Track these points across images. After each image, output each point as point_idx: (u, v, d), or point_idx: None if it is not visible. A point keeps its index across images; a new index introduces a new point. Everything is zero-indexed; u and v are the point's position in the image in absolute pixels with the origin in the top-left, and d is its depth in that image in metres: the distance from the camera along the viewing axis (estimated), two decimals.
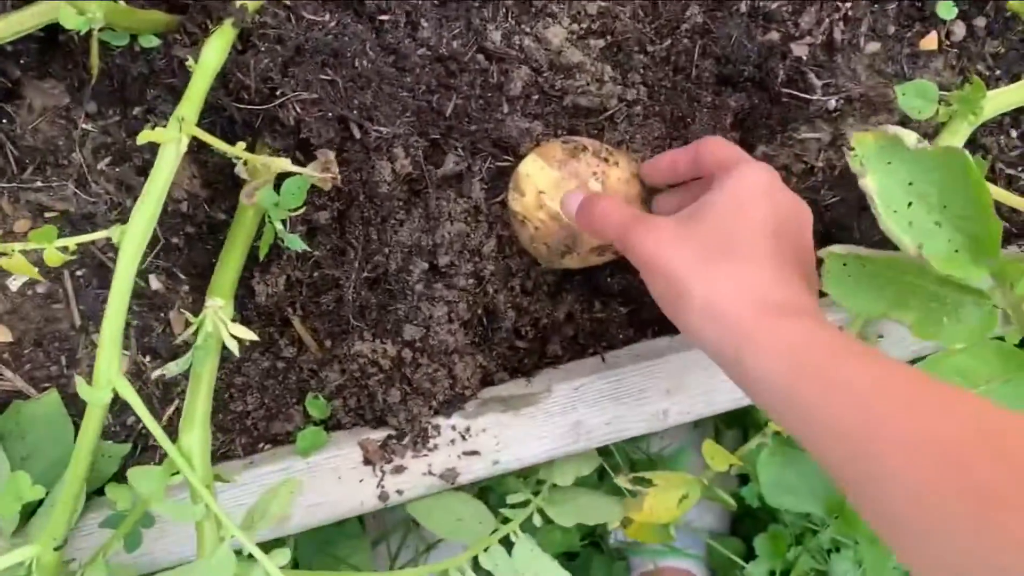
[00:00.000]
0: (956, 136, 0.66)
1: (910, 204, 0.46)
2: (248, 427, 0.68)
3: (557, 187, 0.64)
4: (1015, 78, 0.74)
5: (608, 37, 0.69)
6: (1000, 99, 0.65)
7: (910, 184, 0.46)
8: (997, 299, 0.46)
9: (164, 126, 0.62)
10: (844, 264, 0.50)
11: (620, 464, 0.87)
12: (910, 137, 0.45)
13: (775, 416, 0.47)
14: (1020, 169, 0.76)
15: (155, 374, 0.56)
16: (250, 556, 0.46)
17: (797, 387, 0.43)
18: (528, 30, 0.68)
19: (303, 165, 0.54)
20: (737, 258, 0.49)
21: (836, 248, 0.50)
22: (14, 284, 0.66)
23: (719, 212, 0.51)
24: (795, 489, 0.74)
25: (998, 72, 0.74)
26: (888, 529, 0.40)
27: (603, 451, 0.99)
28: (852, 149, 0.46)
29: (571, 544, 0.99)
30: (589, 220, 0.59)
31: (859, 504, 0.41)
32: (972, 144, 0.75)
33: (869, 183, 0.46)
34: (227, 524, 0.46)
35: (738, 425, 1.01)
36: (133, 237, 0.48)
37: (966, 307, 0.47)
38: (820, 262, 0.54)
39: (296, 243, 0.57)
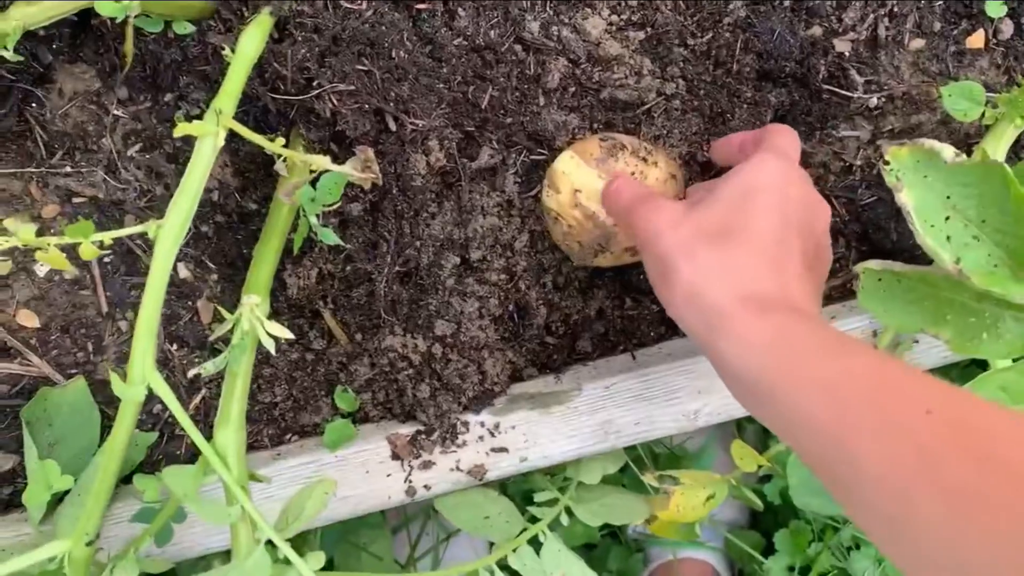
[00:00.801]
0: (1002, 140, 0.64)
1: (947, 218, 0.45)
2: (276, 418, 0.68)
3: (593, 186, 0.63)
4: None
5: (648, 29, 0.67)
6: None
7: (947, 198, 0.45)
8: None
9: (196, 114, 0.61)
10: (879, 279, 0.49)
11: (643, 458, 0.87)
12: (947, 151, 0.44)
13: (748, 407, 0.47)
14: None
15: (191, 373, 0.56)
16: (285, 559, 0.45)
17: (768, 383, 0.43)
18: (567, 20, 0.66)
19: (337, 157, 0.53)
20: (731, 245, 0.49)
21: (872, 263, 0.49)
22: (41, 270, 0.66)
23: (724, 199, 0.51)
24: (822, 492, 0.74)
25: None
26: (865, 521, 0.40)
27: (630, 448, 0.98)
28: (887, 163, 0.45)
29: (592, 537, 0.99)
30: (605, 198, 0.60)
31: (837, 497, 0.41)
32: (1016, 145, 0.74)
33: (905, 197, 0.45)
34: (263, 526, 0.45)
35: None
36: (169, 232, 0.47)
37: (1006, 322, 0.46)
38: (855, 276, 0.53)
39: (330, 237, 0.56)
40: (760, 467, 0.72)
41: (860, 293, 0.50)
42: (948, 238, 0.45)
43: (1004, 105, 0.64)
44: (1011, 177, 0.44)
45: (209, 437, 0.50)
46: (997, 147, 0.65)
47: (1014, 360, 0.50)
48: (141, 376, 0.47)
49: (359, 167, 0.49)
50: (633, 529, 1.09)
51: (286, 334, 0.49)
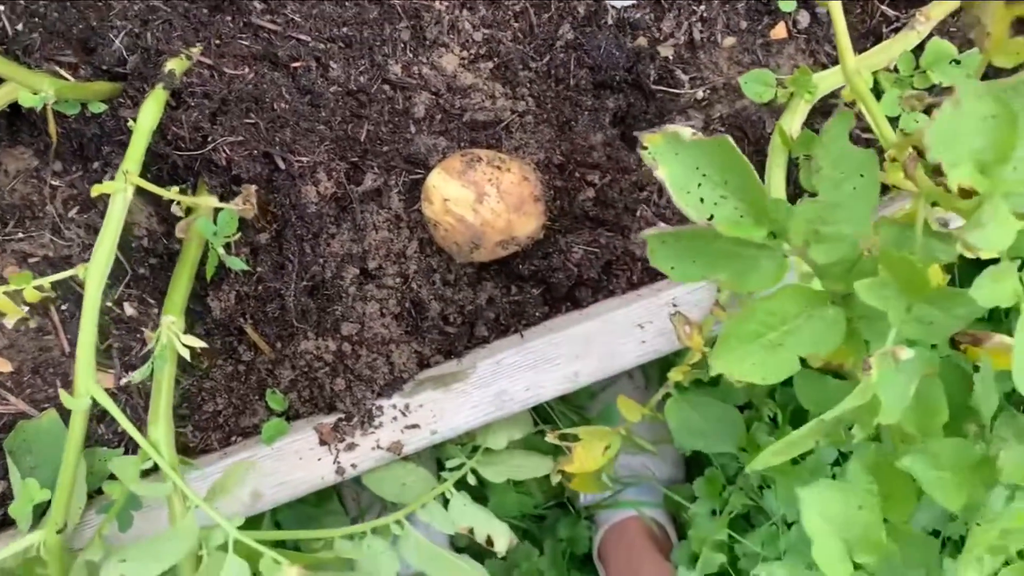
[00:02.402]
0: (796, 114, 0.76)
1: (699, 184, 0.56)
2: (220, 424, 0.79)
3: (459, 195, 0.75)
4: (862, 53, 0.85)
5: (495, 59, 0.80)
6: (827, 80, 0.75)
7: (696, 168, 0.56)
8: (784, 250, 0.57)
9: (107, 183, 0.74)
10: (663, 242, 0.60)
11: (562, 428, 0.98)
12: (686, 131, 0.55)
13: None
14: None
15: (123, 381, 0.68)
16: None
17: None
18: (425, 60, 0.79)
19: (234, 196, 0.65)
20: None
21: (652, 230, 0.60)
22: (9, 322, 0.78)
23: None
24: (704, 432, 0.84)
25: None
26: None
27: (549, 420, 1.10)
28: (645, 147, 0.57)
29: (525, 506, 1.10)
30: None
31: None
32: (828, 116, 0.85)
33: (662, 172, 0.56)
34: (192, 497, 0.57)
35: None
36: (95, 271, 0.59)
37: (762, 260, 0.58)
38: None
39: (237, 264, 0.68)
40: (644, 416, 0.83)
41: (651, 256, 0.62)
42: (701, 200, 0.57)
43: (792, 85, 0.76)
44: (733, 146, 0.55)
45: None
46: (792, 121, 0.77)
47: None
48: (85, 389, 0.59)
49: (241, 202, 0.61)
50: (583, 500, 1.19)
51: (198, 344, 0.61)
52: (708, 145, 0.56)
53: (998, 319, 0.91)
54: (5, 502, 0.78)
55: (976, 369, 0.71)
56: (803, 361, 0.64)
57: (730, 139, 0.56)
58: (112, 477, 0.76)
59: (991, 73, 0.67)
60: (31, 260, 0.77)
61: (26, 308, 0.80)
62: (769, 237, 0.57)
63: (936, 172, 0.59)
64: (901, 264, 0.54)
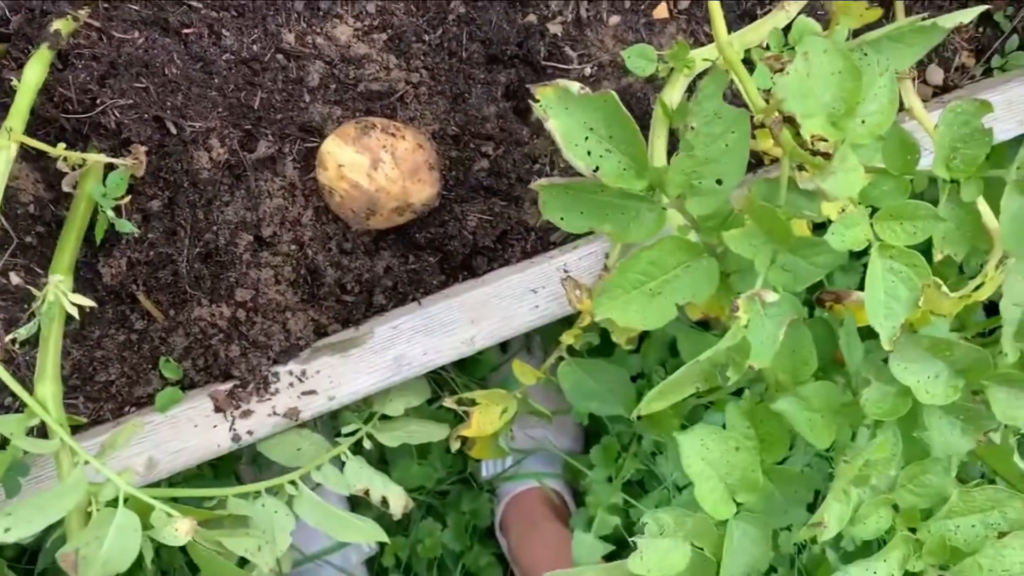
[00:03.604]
0: (675, 87, 0.80)
1: (587, 138, 0.60)
2: (113, 394, 0.78)
3: (353, 160, 0.76)
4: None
5: (389, 31, 0.81)
6: (703, 55, 0.80)
7: (584, 123, 0.59)
8: (663, 201, 0.61)
9: None
10: (554, 193, 0.63)
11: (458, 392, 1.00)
12: (574, 86, 0.59)
13: None
14: None
15: (7, 338, 0.66)
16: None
17: None
18: (319, 31, 0.80)
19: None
20: None
21: (542, 181, 0.63)
22: None
23: None
24: (597, 394, 0.88)
25: None
26: None
27: (450, 389, 1.12)
28: (537, 100, 0.60)
29: (428, 476, 1.12)
30: None
31: None
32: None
33: (552, 125, 0.59)
34: (80, 452, 0.57)
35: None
36: None
37: (643, 212, 0.62)
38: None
39: (126, 227, 0.67)
40: (538, 379, 0.86)
41: (542, 207, 0.65)
42: (588, 153, 0.60)
43: (671, 60, 0.80)
44: (619, 102, 0.59)
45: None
46: (672, 94, 0.81)
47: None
48: None
49: (129, 160, 0.61)
50: (485, 471, 1.22)
51: (87, 303, 0.60)
52: (595, 100, 0.60)
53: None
54: None
55: (841, 324, 0.77)
56: (683, 313, 0.68)
57: (615, 95, 0.59)
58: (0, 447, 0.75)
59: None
60: None
61: None
62: (649, 190, 0.60)
63: (790, 123, 0.64)
64: (766, 214, 0.58)
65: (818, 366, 0.72)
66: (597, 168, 0.60)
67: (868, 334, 0.81)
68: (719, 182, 0.60)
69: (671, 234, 0.63)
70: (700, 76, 0.83)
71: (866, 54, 0.65)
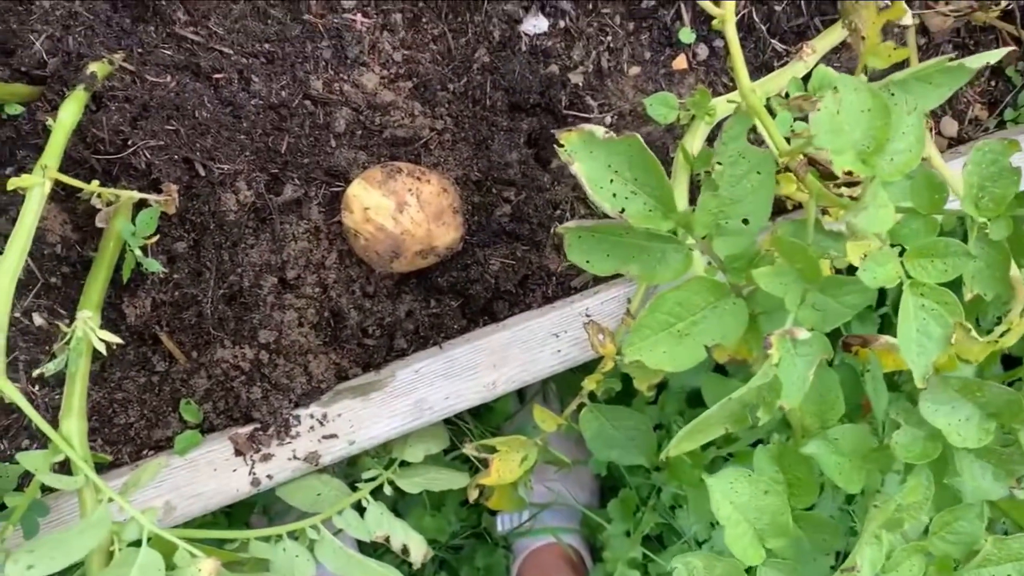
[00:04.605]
0: (696, 134, 0.82)
1: (612, 180, 0.60)
2: (132, 437, 0.77)
3: (379, 204, 0.76)
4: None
5: (415, 79, 0.83)
6: (725, 103, 0.81)
7: (609, 166, 0.60)
8: (689, 242, 0.61)
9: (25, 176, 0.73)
10: (579, 236, 0.64)
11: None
12: (599, 131, 0.59)
13: None
14: None
15: (35, 372, 0.66)
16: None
17: None
18: (346, 78, 0.81)
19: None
20: None
21: (567, 224, 0.63)
22: None
23: None
24: (619, 442, 0.87)
25: None
26: None
27: (466, 438, 1.11)
28: (561, 145, 0.60)
29: (441, 528, 1.10)
30: None
31: None
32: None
33: (578, 168, 0.60)
34: (104, 489, 0.56)
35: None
36: (9, 264, 0.58)
37: (669, 253, 0.62)
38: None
39: (154, 265, 0.68)
40: (559, 426, 0.85)
41: (567, 250, 0.65)
42: (614, 195, 0.61)
43: (693, 108, 0.82)
44: (643, 145, 0.60)
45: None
46: (693, 141, 0.82)
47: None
48: None
49: (163, 197, 0.61)
50: (500, 526, 1.20)
51: (115, 339, 0.60)
52: (620, 143, 0.60)
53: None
54: None
55: (867, 370, 0.76)
56: (710, 355, 0.68)
57: (639, 138, 0.60)
58: (17, 489, 0.74)
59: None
60: None
61: None
62: (675, 231, 0.61)
63: (823, 170, 0.65)
64: (797, 252, 0.58)
65: (844, 411, 0.71)
66: (623, 210, 0.61)
67: (892, 385, 0.80)
68: (745, 222, 0.60)
69: (698, 275, 0.63)
70: (720, 124, 0.85)
71: (893, 94, 0.66)
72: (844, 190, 0.65)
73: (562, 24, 0.86)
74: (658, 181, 0.60)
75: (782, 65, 0.90)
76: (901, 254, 0.60)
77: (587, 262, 0.64)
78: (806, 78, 0.84)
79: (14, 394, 0.57)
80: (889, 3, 0.71)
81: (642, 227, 0.60)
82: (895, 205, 0.57)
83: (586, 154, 0.61)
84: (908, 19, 0.69)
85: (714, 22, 0.78)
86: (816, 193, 0.63)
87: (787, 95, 0.84)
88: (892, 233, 0.59)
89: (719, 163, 0.58)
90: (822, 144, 0.52)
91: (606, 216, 0.69)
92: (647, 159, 0.60)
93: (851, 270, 0.64)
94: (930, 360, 0.57)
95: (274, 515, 1.05)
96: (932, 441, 0.66)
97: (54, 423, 0.76)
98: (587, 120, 0.87)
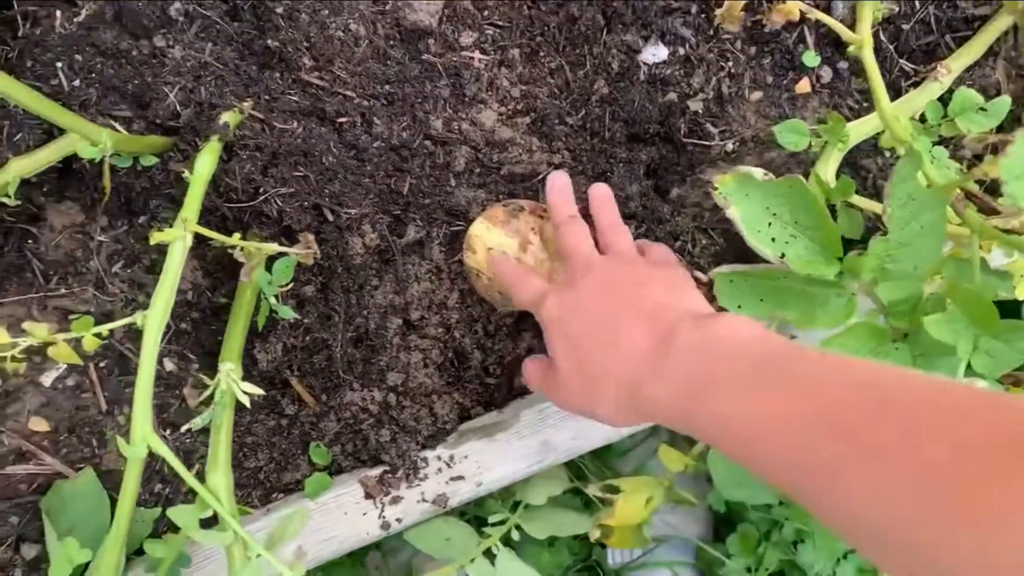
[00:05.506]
0: (829, 161, 0.78)
1: (770, 224, 0.58)
2: (261, 480, 0.78)
3: (502, 243, 0.75)
4: None
5: (532, 114, 0.82)
6: (859, 129, 0.78)
7: (767, 208, 0.58)
8: (852, 287, 0.58)
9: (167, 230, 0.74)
10: (731, 281, 0.61)
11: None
12: (757, 172, 0.57)
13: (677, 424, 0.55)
14: None
15: (184, 428, 0.66)
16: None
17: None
18: (464, 116, 0.80)
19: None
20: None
21: (721, 269, 0.61)
22: (47, 379, 0.77)
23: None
24: (747, 482, 0.84)
25: (865, 104, 0.87)
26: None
27: (582, 478, 1.09)
28: (716, 188, 0.58)
29: (559, 564, 1.08)
30: (495, 274, 0.74)
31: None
32: (854, 166, 0.88)
33: (734, 212, 0.58)
34: (252, 545, 0.56)
35: None
36: (156, 314, 0.59)
37: (831, 298, 0.59)
38: (711, 283, 0.66)
39: (287, 312, 0.68)
40: (687, 466, 0.83)
41: (718, 296, 0.63)
42: (772, 239, 0.58)
43: (825, 134, 0.78)
44: (806, 186, 0.57)
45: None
46: (826, 168, 0.79)
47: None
48: (142, 437, 0.57)
49: (302, 248, 0.61)
50: (611, 560, 1.17)
51: (257, 391, 0.60)
52: (779, 185, 0.58)
53: None
54: (39, 567, 0.75)
55: None
56: None
57: (802, 179, 0.57)
58: (153, 536, 0.75)
59: None
60: (71, 317, 0.76)
61: (62, 366, 0.79)
62: (840, 275, 0.58)
63: (980, 203, 0.61)
64: (970, 298, 0.55)
65: None
66: (783, 255, 0.58)
67: None
68: (912, 266, 0.57)
69: (860, 321, 0.60)
70: (852, 151, 0.81)
71: None
72: (995, 220, 0.62)
73: (681, 51, 0.83)
74: (820, 223, 0.57)
75: (911, 85, 0.86)
76: None
77: (739, 307, 0.62)
78: (943, 99, 0.80)
79: (164, 451, 0.57)
80: None
81: (805, 272, 0.57)
82: None
83: (742, 197, 0.58)
84: None
85: (851, 48, 0.75)
86: (978, 230, 0.59)
87: (923, 118, 0.80)
88: None
89: (889, 207, 0.55)
90: (1010, 192, 0.49)
91: (747, 255, 0.66)
92: (809, 200, 0.57)
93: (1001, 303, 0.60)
94: None
95: (387, 551, 1.04)
96: None
97: (187, 467, 0.77)
98: (707, 148, 0.85)
